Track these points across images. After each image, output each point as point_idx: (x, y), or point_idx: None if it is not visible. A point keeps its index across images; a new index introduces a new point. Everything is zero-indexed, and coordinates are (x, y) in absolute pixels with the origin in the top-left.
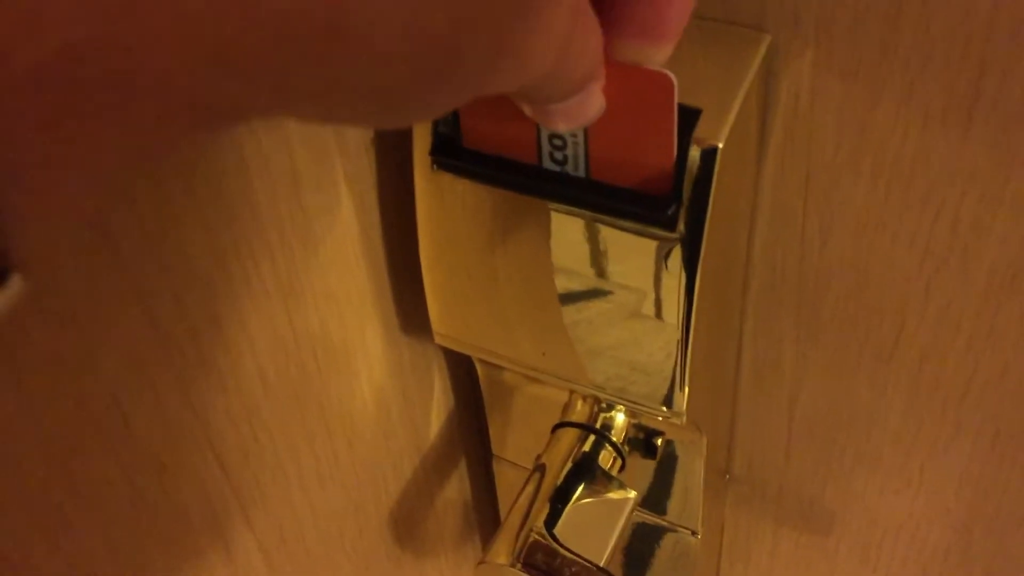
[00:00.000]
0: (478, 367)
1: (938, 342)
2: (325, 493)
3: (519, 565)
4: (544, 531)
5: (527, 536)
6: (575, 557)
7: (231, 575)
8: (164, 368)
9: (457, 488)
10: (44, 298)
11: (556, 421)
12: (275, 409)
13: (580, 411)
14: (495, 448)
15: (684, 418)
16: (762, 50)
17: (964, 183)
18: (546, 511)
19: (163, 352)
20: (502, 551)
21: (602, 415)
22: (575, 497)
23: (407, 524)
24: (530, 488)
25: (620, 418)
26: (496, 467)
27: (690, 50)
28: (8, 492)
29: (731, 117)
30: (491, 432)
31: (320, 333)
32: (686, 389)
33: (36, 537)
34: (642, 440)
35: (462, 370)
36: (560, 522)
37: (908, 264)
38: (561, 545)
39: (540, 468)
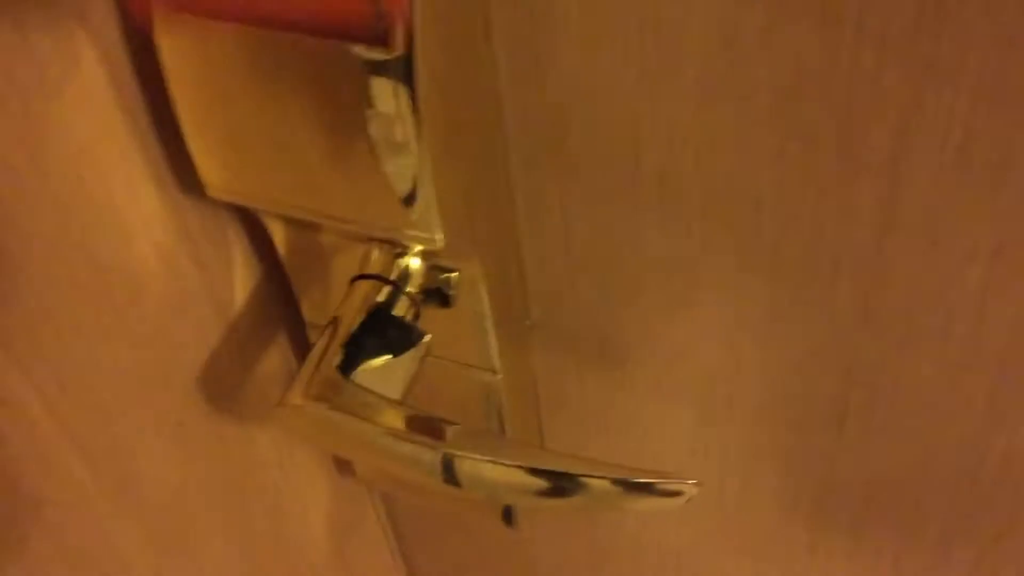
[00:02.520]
0: (269, 225)
1: (672, 157)
2: (110, 345)
3: (313, 403)
4: (338, 372)
5: (323, 376)
6: (369, 392)
7: (6, 415)
8: None
9: (280, 358)
10: None
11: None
12: (33, 255)
13: (375, 263)
14: (307, 315)
15: (441, 241)
16: None
17: None
18: (340, 356)
19: None
20: (297, 392)
21: (397, 266)
22: (368, 342)
23: (225, 392)
24: (325, 338)
25: (415, 267)
26: (311, 335)
27: None
28: None
29: None
30: (300, 297)
31: (78, 187)
32: (435, 210)
33: None
34: (436, 289)
35: (267, 242)
36: (354, 365)
37: (628, 79)
38: (355, 384)
39: (335, 319)
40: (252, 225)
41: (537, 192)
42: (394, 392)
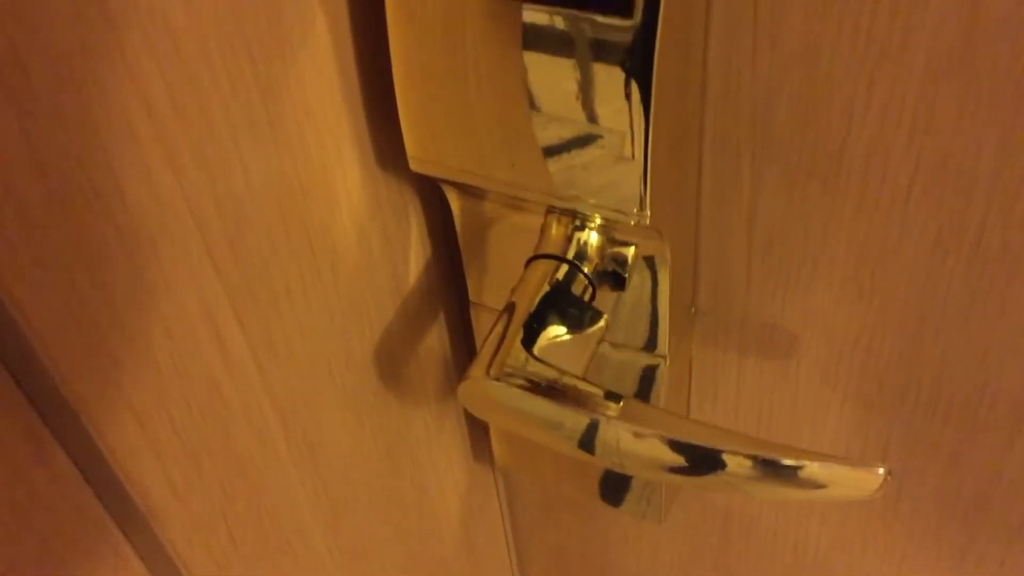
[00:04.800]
0: (452, 202)
1: (883, 137)
2: (311, 312)
3: (501, 379)
4: (522, 348)
5: (506, 353)
6: (555, 369)
7: (225, 368)
8: (154, 142)
9: (437, 338)
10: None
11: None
12: (259, 212)
13: (554, 239)
14: (473, 294)
15: (648, 217)
16: None
17: None
18: (521, 334)
19: (157, 132)
20: (482, 367)
21: (575, 240)
22: (549, 320)
23: (391, 366)
24: (506, 315)
25: (593, 241)
26: (475, 315)
27: None
28: None
29: None
30: (468, 276)
31: (300, 148)
32: (648, 186)
33: None
34: (611, 272)
35: (439, 221)
36: (536, 342)
37: (851, 58)
38: (539, 360)
39: (512, 303)
40: (429, 202)
41: (728, 170)
42: (575, 369)
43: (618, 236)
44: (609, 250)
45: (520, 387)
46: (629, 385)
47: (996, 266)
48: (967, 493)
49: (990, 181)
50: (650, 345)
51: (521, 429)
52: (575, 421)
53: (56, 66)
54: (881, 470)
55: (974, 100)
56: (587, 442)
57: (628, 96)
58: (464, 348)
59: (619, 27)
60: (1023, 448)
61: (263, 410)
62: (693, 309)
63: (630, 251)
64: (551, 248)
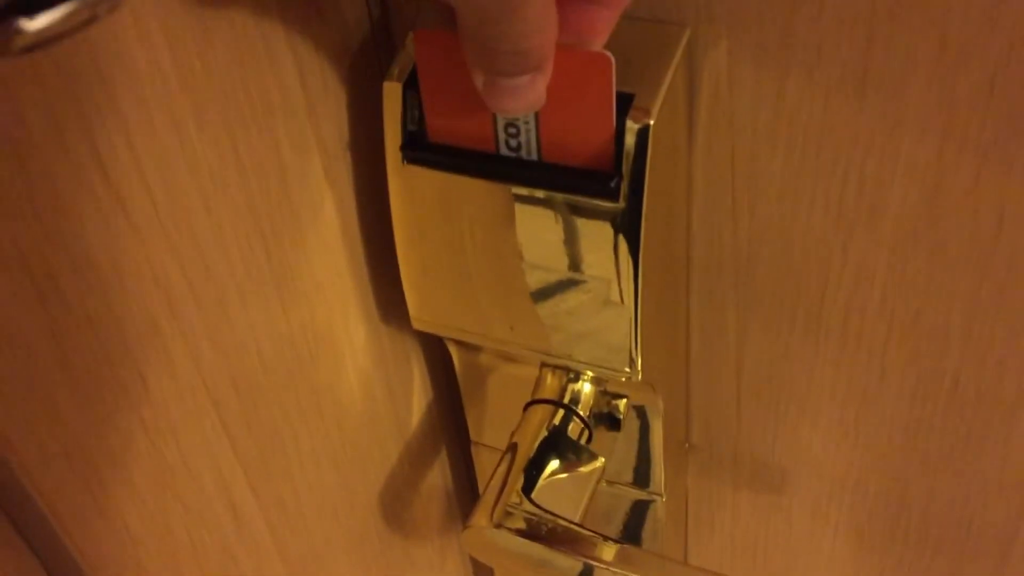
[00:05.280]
0: (453, 353)
1: (858, 296)
2: (319, 470)
3: (502, 527)
4: (522, 495)
5: (507, 500)
6: (552, 516)
7: (239, 537)
8: (176, 336)
9: (439, 475)
10: None
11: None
12: (272, 385)
13: (550, 387)
14: (473, 434)
15: (640, 375)
16: (683, 41)
17: (864, 146)
18: (522, 479)
19: (175, 323)
20: (484, 515)
21: (570, 389)
22: (548, 465)
23: (394, 508)
24: (506, 461)
25: (587, 391)
26: (475, 453)
27: (618, 44)
28: None
29: (659, 98)
30: (468, 418)
31: (310, 320)
32: (639, 347)
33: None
34: (606, 413)
35: (440, 364)
36: (535, 488)
37: (825, 225)
38: (538, 506)
39: (514, 445)
40: (430, 348)
41: (715, 322)
42: (573, 514)
43: (610, 388)
44: (604, 397)
45: (520, 532)
46: (628, 520)
47: (972, 412)
48: None
49: (962, 336)
50: (646, 483)
51: (522, 573)
52: (572, 568)
53: (86, 277)
54: None
55: (941, 264)
56: None
57: (617, 268)
58: (467, 482)
59: (608, 209)
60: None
61: (275, 569)
62: (687, 444)
63: (622, 402)
64: (548, 394)
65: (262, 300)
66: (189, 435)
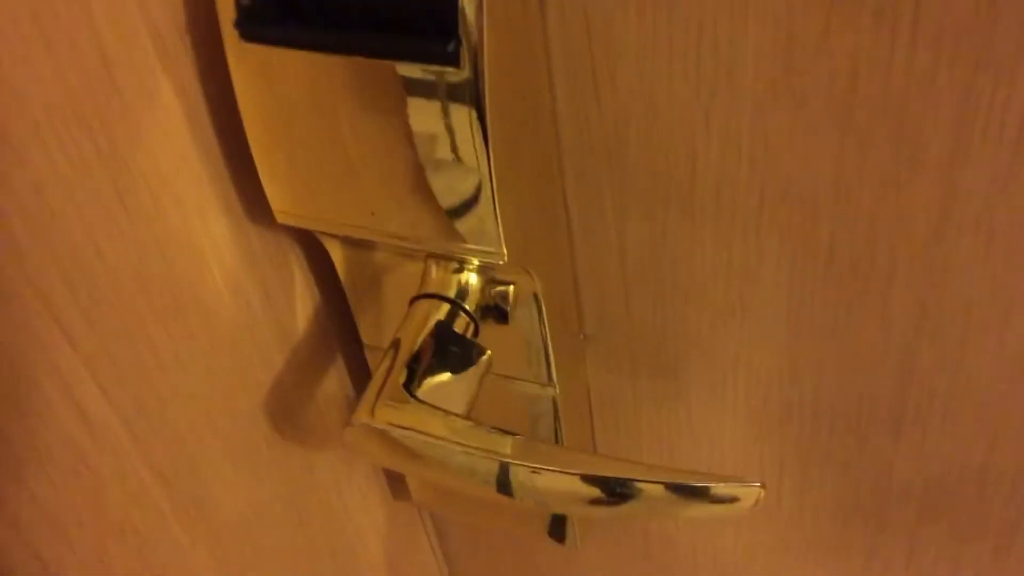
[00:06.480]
0: (331, 249)
1: (726, 166)
2: (187, 375)
3: (384, 423)
4: (404, 390)
5: (389, 396)
6: (437, 409)
7: (92, 440)
8: None
9: (336, 382)
10: None
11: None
12: (114, 283)
13: (435, 281)
14: (365, 337)
15: (505, 255)
16: None
17: (714, 2)
18: (404, 374)
19: None
20: (365, 412)
21: (456, 283)
22: (431, 360)
23: (286, 416)
24: (388, 358)
25: (473, 283)
26: (369, 357)
27: None
28: None
29: None
30: (358, 321)
31: (156, 216)
32: (499, 222)
33: None
34: (494, 306)
35: (327, 266)
36: (419, 382)
37: (686, 92)
38: (422, 401)
39: (396, 341)
40: (311, 249)
41: (592, 205)
42: (458, 408)
43: (498, 276)
44: (490, 288)
45: (404, 428)
46: (526, 417)
47: (850, 280)
48: (864, 498)
49: (831, 201)
50: (539, 376)
51: (405, 469)
52: (465, 462)
53: None
54: (757, 484)
55: (804, 122)
56: (468, 475)
57: (473, 142)
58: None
59: (451, 77)
60: (907, 450)
61: (139, 475)
62: (582, 335)
63: (510, 288)
64: (433, 288)
65: (92, 194)
66: (14, 332)
